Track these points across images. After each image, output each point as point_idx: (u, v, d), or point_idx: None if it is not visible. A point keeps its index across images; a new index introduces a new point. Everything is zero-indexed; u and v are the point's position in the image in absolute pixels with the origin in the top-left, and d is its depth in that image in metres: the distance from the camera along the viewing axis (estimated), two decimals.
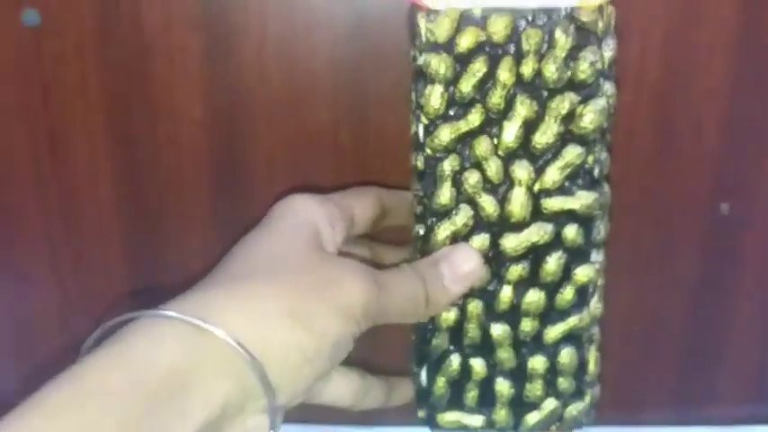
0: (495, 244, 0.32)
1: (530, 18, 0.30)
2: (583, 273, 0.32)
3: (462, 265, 0.32)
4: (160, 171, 0.42)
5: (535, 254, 0.32)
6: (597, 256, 0.33)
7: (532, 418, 0.34)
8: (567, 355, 0.33)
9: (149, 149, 0.41)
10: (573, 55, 0.30)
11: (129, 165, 0.42)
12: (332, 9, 0.38)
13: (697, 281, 0.44)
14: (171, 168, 0.42)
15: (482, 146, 0.31)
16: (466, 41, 0.30)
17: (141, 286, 0.45)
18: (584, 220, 0.32)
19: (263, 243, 0.29)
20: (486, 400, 0.34)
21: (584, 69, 0.30)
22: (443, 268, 0.31)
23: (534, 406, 0.34)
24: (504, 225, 0.32)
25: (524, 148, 0.31)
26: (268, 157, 0.41)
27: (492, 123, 0.31)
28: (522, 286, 0.32)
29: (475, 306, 0.33)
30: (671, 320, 0.45)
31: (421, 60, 0.31)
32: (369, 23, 0.38)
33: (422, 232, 0.33)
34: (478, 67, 0.30)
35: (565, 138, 0.31)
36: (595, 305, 0.33)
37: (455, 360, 0.34)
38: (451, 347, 0.34)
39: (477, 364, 0.34)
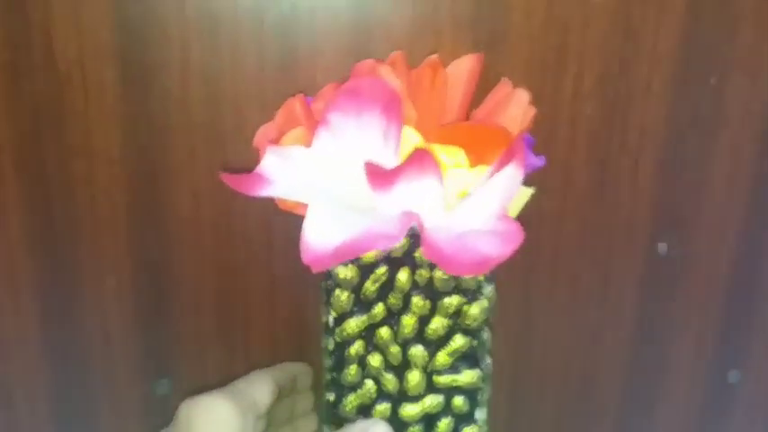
0: (395, 411, 0.38)
1: None
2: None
3: None
4: (73, 209, 0.41)
5: (429, 418, 0.38)
6: (481, 414, 0.39)
7: None
8: None
9: (62, 188, 0.41)
10: None
11: (40, 203, 0.41)
12: (260, 37, 0.36)
13: (634, 320, 0.44)
14: (85, 206, 0.41)
15: (384, 335, 0.36)
16: (370, 254, 0.35)
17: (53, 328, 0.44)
18: (469, 391, 0.38)
19: None
20: None
21: (468, 279, 0.35)
22: None
23: None
24: (402, 396, 0.37)
25: (420, 336, 0.37)
26: (191, 193, 0.39)
27: (392, 316, 0.36)
28: None
29: None
30: (609, 359, 0.45)
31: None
32: (299, 52, 0.37)
33: (332, 399, 0.38)
34: (380, 275, 0.35)
35: (453, 328, 0.36)
36: None
37: None
38: None
39: None
